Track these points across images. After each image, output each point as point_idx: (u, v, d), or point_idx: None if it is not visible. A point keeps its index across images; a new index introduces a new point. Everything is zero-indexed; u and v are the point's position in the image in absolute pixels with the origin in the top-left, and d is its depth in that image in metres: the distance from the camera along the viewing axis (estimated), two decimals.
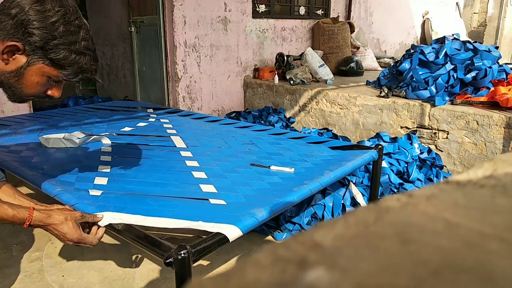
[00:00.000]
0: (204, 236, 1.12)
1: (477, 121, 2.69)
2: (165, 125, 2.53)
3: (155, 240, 1.11)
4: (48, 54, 0.95)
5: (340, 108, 3.48)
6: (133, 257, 1.90)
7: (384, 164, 2.47)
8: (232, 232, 1.15)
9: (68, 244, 1.18)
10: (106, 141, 2.14)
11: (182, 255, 1.00)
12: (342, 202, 2.15)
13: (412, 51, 3.40)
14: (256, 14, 4.30)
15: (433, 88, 3.03)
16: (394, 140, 2.93)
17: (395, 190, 2.43)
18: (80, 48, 0.97)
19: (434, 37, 6.59)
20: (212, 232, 1.14)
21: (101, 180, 1.57)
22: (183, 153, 1.97)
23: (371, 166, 2.07)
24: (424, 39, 7.46)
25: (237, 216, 1.24)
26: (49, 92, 1.03)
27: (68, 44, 0.95)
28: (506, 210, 0.28)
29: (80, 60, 0.98)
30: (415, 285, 0.19)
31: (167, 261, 1.01)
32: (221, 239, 1.12)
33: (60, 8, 0.94)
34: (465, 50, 3.11)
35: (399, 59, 3.58)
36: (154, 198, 1.43)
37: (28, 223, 1.10)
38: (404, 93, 3.13)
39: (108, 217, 1.23)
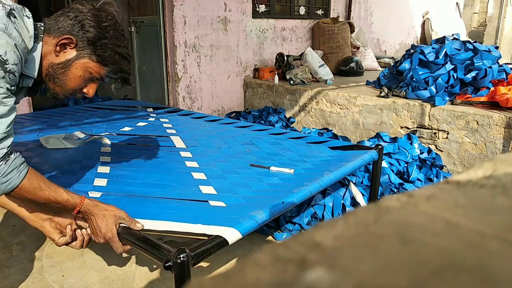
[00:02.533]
0: (204, 239, 1.12)
1: (477, 121, 2.69)
2: (164, 125, 2.53)
3: (155, 243, 1.10)
4: (97, 50, 1.11)
5: (340, 108, 3.48)
6: (133, 257, 1.90)
7: (384, 164, 2.47)
8: (232, 234, 1.15)
9: (97, 240, 1.18)
10: (106, 141, 2.14)
11: (182, 258, 0.99)
12: (342, 202, 2.15)
13: (412, 51, 3.40)
14: (256, 14, 4.30)
15: (433, 88, 3.03)
16: (394, 140, 2.93)
17: (395, 190, 2.43)
18: (122, 52, 1.15)
19: (434, 37, 6.59)
20: (211, 235, 1.14)
21: (100, 182, 1.57)
22: (183, 154, 1.97)
23: (371, 166, 2.07)
24: (424, 39, 7.46)
25: (236, 219, 1.24)
26: (84, 90, 1.16)
27: (114, 46, 1.13)
28: (506, 210, 0.28)
29: (120, 62, 1.15)
30: (415, 285, 0.19)
31: (166, 264, 1.01)
32: (221, 242, 1.12)
33: (112, 17, 1.14)
34: (465, 50, 3.11)
35: (399, 59, 3.58)
36: (153, 200, 1.43)
37: (78, 209, 1.14)
38: (404, 93, 3.13)
39: None
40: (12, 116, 1.00)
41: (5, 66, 0.97)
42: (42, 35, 1.08)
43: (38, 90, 1.18)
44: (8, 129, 0.99)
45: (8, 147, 1.00)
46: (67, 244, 1.22)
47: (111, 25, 1.13)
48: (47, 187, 1.09)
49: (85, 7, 1.11)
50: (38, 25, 1.08)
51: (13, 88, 1.00)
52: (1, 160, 0.99)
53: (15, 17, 1.00)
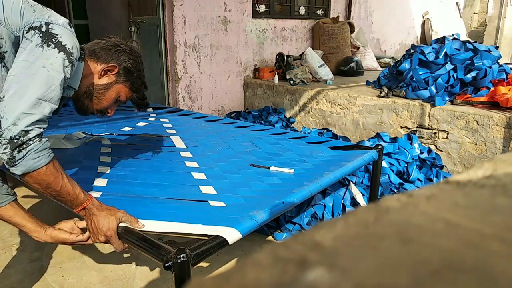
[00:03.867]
0: (204, 239, 1.12)
1: (477, 121, 2.69)
2: (164, 125, 2.53)
3: (155, 243, 1.10)
4: (132, 79, 1.33)
5: (340, 108, 3.48)
6: (133, 257, 1.90)
7: (384, 164, 2.47)
8: (232, 235, 1.14)
9: (97, 239, 1.19)
10: (106, 141, 2.14)
11: (182, 258, 0.99)
12: (342, 202, 2.15)
13: (412, 51, 3.40)
14: (256, 14, 4.30)
15: (433, 88, 3.03)
16: (394, 140, 2.93)
17: (395, 190, 2.43)
18: (145, 82, 1.40)
19: (434, 37, 6.59)
20: (211, 235, 1.14)
21: (100, 182, 1.57)
22: (183, 154, 1.97)
23: (371, 166, 2.07)
24: (424, 39, 7.46)
25: (236, 219, 1.24)
26: (109, 109, 1.36)
27: (143, 77, 1.38)
28: (506, 210, 0.28)
29: (143, 90, 1.41)
30: (415, 285, 0.19)
31: (167, 264, 1.01)
32: (221, 242, 1.12)
33: (139, 54, 1.37)
34: (465, 50, 3.11)
35: (399, 59, 3.58)
36: (153, 200, 1.43)
37: (85, 205, 1.18)
38: (404, 93, 3.13)
39: None
40: (56, 106, 1.10)
41: (70, 57, 1.11)
42: (83, 57, 1.24)
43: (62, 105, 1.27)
44: (50, 115, 1.09)
45: (44, 128, 1.09)
46: (80, 242, 1.24)
47: (141, 60, 1.36)
48: (65, 176, 1.14)
49: (121, 42, 1.33)
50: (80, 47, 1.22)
51: (68, 80, 1.13)
52: (37, 137, 1.06)
53: (71, 27, 1.18)
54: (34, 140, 1.04)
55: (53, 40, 1.08)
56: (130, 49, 1.32)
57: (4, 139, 1.01)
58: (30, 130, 1.03)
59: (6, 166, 1.05)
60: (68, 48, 1.10)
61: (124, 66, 1.30)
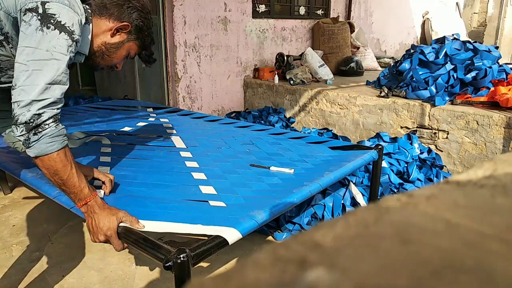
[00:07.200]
0: (204, 239, 1.12)
1: (477, 121, 2.69)
2: (164, 125, 2.53)
3: (155, 243, 1.10)
4: (142, 37, 1.32)
5: (340, 108, 3.48)
6: (133, 257, 1.90)
7: (384, 164, 2.47)
8: (232, 235, 1.14)
9: (96, 239, 1.19)
10: (106, 141, 2.13)
11: (182, 258, 0.99)
12: (342, 202, 2.15)
13: (412, 51, 3.40)
14: (256, 14, 4.30)
15: (433, 88, 3.03)
16: (394, 140, 2.93)
17: (395, 190, 2.43)
18: (153, 40, 1.40)
19: (434, 37, 6.59)
20: (211, 235, 1.13)
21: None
22: (183, 154, 1.97)
23: (371, 166, 2.07)
24: (424, 39, 7.46)
25: (236, 219, 1.24)
26: (118, 65, 1.37)
27: (152, 35, 1.36)
28: (506, 210, 0.28)
29: (152, 47, 1.40)
30: (415, 285, 0.19)
31: (167, 264, 1.01)
32: (221, 242, 1.11)
33: (149, 10, 1.34)
34: (465, 50, 3.11)
35: (399, 59, 3.58)
36: (153, 200, 1.43)
37: (85, 202, 1.18)
38: (404, 93, 3.13)
39: None
40: (67, 85, 1.12)
41: (72, 36, 1.11)
42: (91, 17, 1.22)
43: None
44: (62, 96, 1.11)
45: (59, 108, 1.11)
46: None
47: (151, 17, 1.35)
48: (75, 167, 1.16)
49: None
50: (86, 7, 1.20)
51: (73, 57, 1.14)
52: (55, 122, 1.09)
53: None
54: (50, 125, 1.08)
55: (52, 21, 1.07)
56: (141, 6, 1.30)
57: (20, 123, 1.06)
58: (42, 113, 1.06)
59: (23, 146, 1.10)
60: (68, 27, 1.09)
61: (136, 24, 1.28)
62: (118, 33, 1.28)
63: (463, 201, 0.29)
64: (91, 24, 1.23)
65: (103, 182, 1.45)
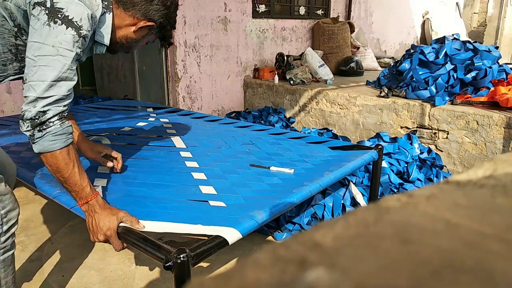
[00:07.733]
0: (204, 239, 1.12)
1: (477, 121, 2.69)
2: (164, 125, 2.53)
3: (155, 243, 1.10)
4: (164, 32, 1.32)
5: (340, 108, 3.48)
6: (133, 257, 1.90)
7: (384, 164, 2.47)
8: (232, 235, 1.14)
9: (96, 238, 1.19)
10: (106, 141, 2.13)
11: (182, 258, 0.99)
12: (342, 202, 2.15)
13: (412, 51, 3.40)
14: (256, 14, 4.30)
15: (433, 88, 3.03)
16: (394, 140, 2.93)
17: (395, 190, 2.43)
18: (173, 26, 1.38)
19: (434, 37, 6.59)
20: (211, 235, 1.13)
21: (100, 182, 1.57)
22: (183, 154, 1.97)
23: (371, 166, 2.07)
24: (424, 39, 7.46)
25: (236, 219, 1.24)
26: (134, 49, 1.38)
27: (173, 26, 1.35)
28: (506, 210, 0.28)
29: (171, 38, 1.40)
30: (415, 285, 0.19)
31: (167, 264, 1.01)
32: (221, 242, 1.11)
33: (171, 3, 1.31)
34: (465, 50, 3.11)
35: (399, 59, 3.58)
36: (153, 200, 1.43)
37: (86, 201, 1.18)
38: (404, 93, 3.13)
39: None
40: (75, 81, 1.11)
41: (80, 31, 1.09)
42: (111, 6, 1.21)
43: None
44: (69, 92, 1.11)
45: (66, 105, 1.11)
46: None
47: (176, 14, 1.34)
48: (77, 166, 1.16)
49: None
50: None
51: (81, 52, 1.12)
52: (60, 119, 1.10)
53: None
54: (55, 123, 1.08)
55: (59, 15, 1.06)
56: (170, 4, 1.28)
57: (26, 119, 1.07)
58: (47, 111, 1.07)
59: (29, 141, 1.12)
60: (76, 22, 1.07)
61: (160, 21, 1.27)
62: (141, 29, 1.27)
63: (463, 201, 0.29)
64: (111, 14, 1.20)
65: (115, 158, 1.48)
